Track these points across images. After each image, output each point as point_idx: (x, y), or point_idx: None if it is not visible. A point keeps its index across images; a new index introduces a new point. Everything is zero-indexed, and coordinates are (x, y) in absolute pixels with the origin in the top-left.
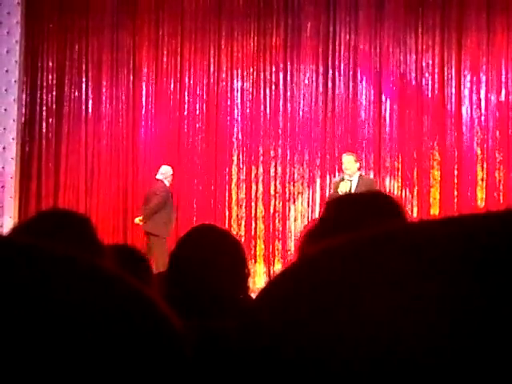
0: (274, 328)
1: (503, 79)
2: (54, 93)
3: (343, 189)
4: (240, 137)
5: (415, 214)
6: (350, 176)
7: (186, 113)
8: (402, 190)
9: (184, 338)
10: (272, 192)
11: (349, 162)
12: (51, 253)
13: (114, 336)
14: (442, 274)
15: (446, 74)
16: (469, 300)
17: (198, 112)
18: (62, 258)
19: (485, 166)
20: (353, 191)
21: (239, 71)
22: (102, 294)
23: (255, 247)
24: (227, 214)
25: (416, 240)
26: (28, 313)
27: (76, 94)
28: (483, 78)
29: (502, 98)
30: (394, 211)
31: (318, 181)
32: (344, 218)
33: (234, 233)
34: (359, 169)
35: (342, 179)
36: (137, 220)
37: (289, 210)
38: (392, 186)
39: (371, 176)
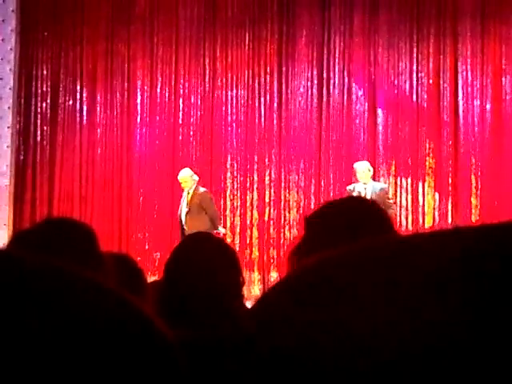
0: (270, 338)
1: (498, 86)
2: (49, 101)
3: (359, 190)
4: (235, 144)
5: (409, 222)
6: (365, 184)
7: (180, 121)
8: (396, 198)
9: (177, 352)
10: (267, 200)
11: (362, 170)
12: (54, 268)
13: (108, 350)
14: (437, 286)
15: (441, 82)
16: (464, 313)
17: (192, 120)
18: (63, 273)
19: (479, 173)
20: (368, 197)
21: (234, 79)
22: (98, 310)
23: (250, 255)
24: (222, 221)
25: (411, 252)
26: (28, 325)
27: (70, 102)
28: (478, 86)
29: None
30: (377, 221)
31: (313, 188)
32: (327, 232)
33: (229, 241)
34: (372, 176)
35: (355, 185)
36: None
37: (284, 218)
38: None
39: (383, 184)
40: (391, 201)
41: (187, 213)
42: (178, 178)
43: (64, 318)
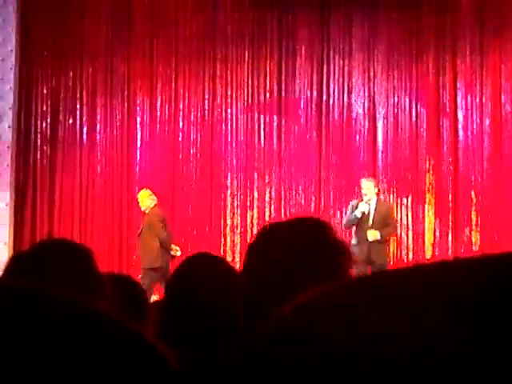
0: (273, 366)
1: (496, 101)
2: (49, 120)
3: (362, 209)
4: (235, 162)
5: (410, 239)
6: (369, 200)
7: (180, 139)
8: (397, 215)
9: (178, 377)
10: (267, 218)
11: (368, 188)
12: (51, 297)
13: (109, 379)
14: (428, 328)
15: (440, 98)
16: (459, 351)
17: (192, 138)
18: (61, 302)
19: (479, 189)
20: (371, 214)
21: (234, 96)
22: (99, 338)
23: None
24: (222, 240)
25: (400, 290)
26: (26, 357)
27: (70, 120)
28: (477, 102)
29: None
30: (325, 243)
31: (313, 206)
32: (268, 260)
33: (229, 259)
34: (377, 193)
35: (360, 201)
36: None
37: None
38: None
39: (387, 199)
40: (394, 220)
41: (139, 233)
42: (137, 196)
43: (63, 349)
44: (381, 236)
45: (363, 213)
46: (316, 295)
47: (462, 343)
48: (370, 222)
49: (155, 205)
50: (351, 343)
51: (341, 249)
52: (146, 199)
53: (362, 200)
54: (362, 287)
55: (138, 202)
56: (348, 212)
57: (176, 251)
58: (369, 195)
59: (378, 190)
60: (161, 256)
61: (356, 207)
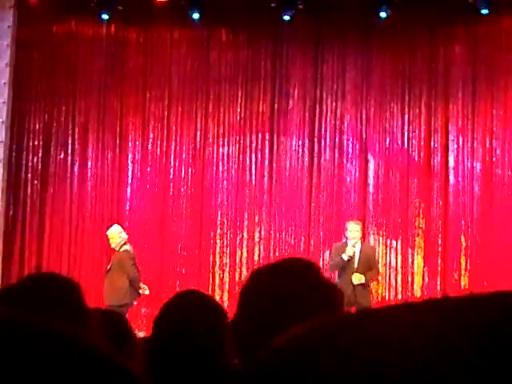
0: None
1: (487, 146)
2: (40, 154)
3: (349, 253)
4: (225, 201)
5: (399, 282)
6: (355, 243)
7: (171, 176)
8: (386, 257)
9: None
10: (256, 257)
11: (357, 230)
12: (39, 329)
13: None
14: (415, 361)
15: (432, 142)
16: None
17: (183, 176)
18: (49, 334)
19: (469, 233)
20: (356, 257)
21: (225, 136)
22: (83, 367)
23: None
24: (211, 279)
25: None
26: None
27: (62, 155)
28: (469, 147)
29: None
30: (311, 283)
31: (302, 246)
32: (264, 304)
33: (218, 298)
34: (362, 237)
35: (344, 244)
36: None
37: None
38: (377, 252)
39: (371, 243)
40: (376, 263)
41: (107, 271)
42: (107, 233)
43: (49, 378)
44: (365, 280)
45: (350, 256)
46: (308, 328)
47: (448, 373)
48: (356, 265)
49: (125, 242)
50: (337, 374)
51: (332, 289)
52: (116, 237)
53: (345, 242)
54: (352, 323)
55: (108, 239)
56: (332, 254)
57: (144, 289)
58: (356, 238)
59: (363, 232)
60: (129, 293)
61: (341, 250)
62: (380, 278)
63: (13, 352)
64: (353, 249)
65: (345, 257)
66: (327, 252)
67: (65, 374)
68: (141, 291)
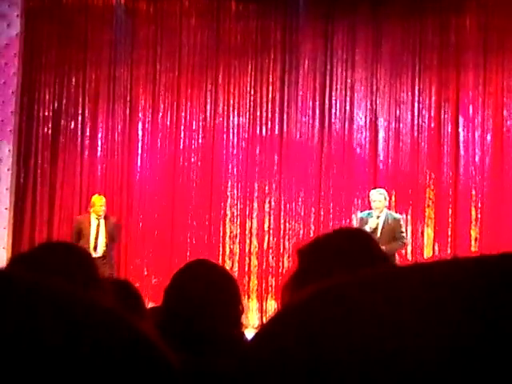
0: (269, 374)
1: (498, 117)
2: (50, 125)
3: (372, 225)
4: (235, 172)
5: (409, 254)
6: (379, 212)
7: (181, 147)
8: None
9: (180, 374)
10: (266, 228)
11: (379, 200)
12: (54, 289)
13: (113, 373)
14: (435, 322)
15: (442, 113)
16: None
17: (193, 146)
18: (64, 294)
19: (479, 205)
20: (379, 228)
21: (236, 106)
22: (101, 332)
23: (248, 283)
24: (221, 249)
25: (403, 285)
26: (27, 349)
27: (72, 126)
28: (479, 118)
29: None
30: (369, 253)
31: (312, 217)
32: (320, 265)
33: (228, 268)
34: (387, 206)
35: (369, 214)
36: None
37: (283, 247)
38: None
39: (397, 214)
40: (403, 234)
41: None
42: (102, 204)
43: (65, 339)
44: (385, 251)
45: (373, 228)
46: (331, 286)
47: (472, 336)
48: (378, 235)
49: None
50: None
51: (385, 260)
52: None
53: (370, 212)
54: (371, 282)
55: (102, 209)
56: (356, 224)
57: None
58: (379, 208)
59: (389, 202)
60: None
61: (365, 222)
62: None
63: (39, 314)
64: (376, 221)
65: (367, 228)
66: (353, 216)
67: (89, 337)
68: None
